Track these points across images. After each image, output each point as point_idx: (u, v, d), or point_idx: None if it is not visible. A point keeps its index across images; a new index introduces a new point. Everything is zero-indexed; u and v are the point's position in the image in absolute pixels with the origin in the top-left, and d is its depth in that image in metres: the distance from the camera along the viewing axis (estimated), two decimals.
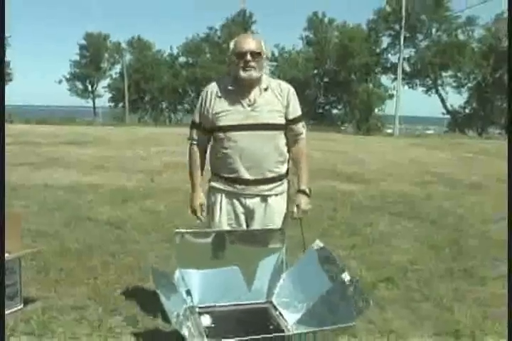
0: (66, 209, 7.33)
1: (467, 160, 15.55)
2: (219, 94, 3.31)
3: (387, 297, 4.36)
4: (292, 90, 3.40)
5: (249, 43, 3.22)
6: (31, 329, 3.54)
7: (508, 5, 5.54)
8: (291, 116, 3.37)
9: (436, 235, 6.45)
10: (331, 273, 2.99)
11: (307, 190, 3.38)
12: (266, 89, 3.31)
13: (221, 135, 3.29)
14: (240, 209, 3.37)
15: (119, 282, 4.49)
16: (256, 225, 3.36)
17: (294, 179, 3.50)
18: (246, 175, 3.29)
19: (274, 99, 3.31)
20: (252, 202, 3.35)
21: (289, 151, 3.45)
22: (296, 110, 3.40)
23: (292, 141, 3.44)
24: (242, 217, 3.39)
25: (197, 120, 3.41)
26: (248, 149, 3.25)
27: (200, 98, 3.38)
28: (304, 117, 3.55)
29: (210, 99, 3.31)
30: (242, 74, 3.22)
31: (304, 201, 3.36)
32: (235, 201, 3.37)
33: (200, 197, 3.48)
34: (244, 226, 3.39)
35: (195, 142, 3.45)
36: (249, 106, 3.26)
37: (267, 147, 3.28)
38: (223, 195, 3.37)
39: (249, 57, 3.19)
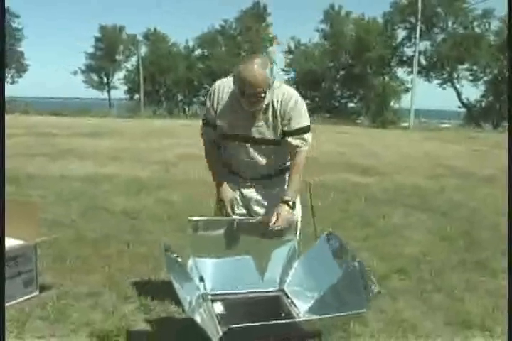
0: (82, 199, 7.39)
1: (481, 154, 15.47)
2: (222, 105, 3.24)
3: (399, 288, 4.37)
4: (293, 102, 3.18)
5: (256, 84, 2.94)
6: (47, 315, 3.61)
7: (508, 5, 5.52)
8: (289, 129, 3.22)
9: (449, 227, 6.44)
10: (342, 261, 3.01)
11: (290, 202, 3.25)
12: (267, 106, 3.16)
13: (223, 141, 3.36)
14: (246, 199, 3.42)
15: (133, 270, 4.55)
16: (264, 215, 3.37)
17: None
18: (246, 175, 3.39)
19: (276, 115, 3.19)
20: (259, 193, 3.41)
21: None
22: (295, 123, 3.21)
23: (292, 153, 3.31)
24: (251, 207, 3.42)
25: (207, 119, 3.37)
26: (246, 160, 3.31)
27: (207, 101, 3.31)
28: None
29: (216, 108, 3.25)
30: (248, 108, 3.11)
31: (283, 210, 3.20)
32: (243, 190, 3.42)
33: (228, 191, 3.40)
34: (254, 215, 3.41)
35: (208, 139, 3.44)
36: (249, 121, 3.20)
37: (266, 159, 3.31)
38: (231, 185, 3.41)
39: (254, 98, 3.03)
